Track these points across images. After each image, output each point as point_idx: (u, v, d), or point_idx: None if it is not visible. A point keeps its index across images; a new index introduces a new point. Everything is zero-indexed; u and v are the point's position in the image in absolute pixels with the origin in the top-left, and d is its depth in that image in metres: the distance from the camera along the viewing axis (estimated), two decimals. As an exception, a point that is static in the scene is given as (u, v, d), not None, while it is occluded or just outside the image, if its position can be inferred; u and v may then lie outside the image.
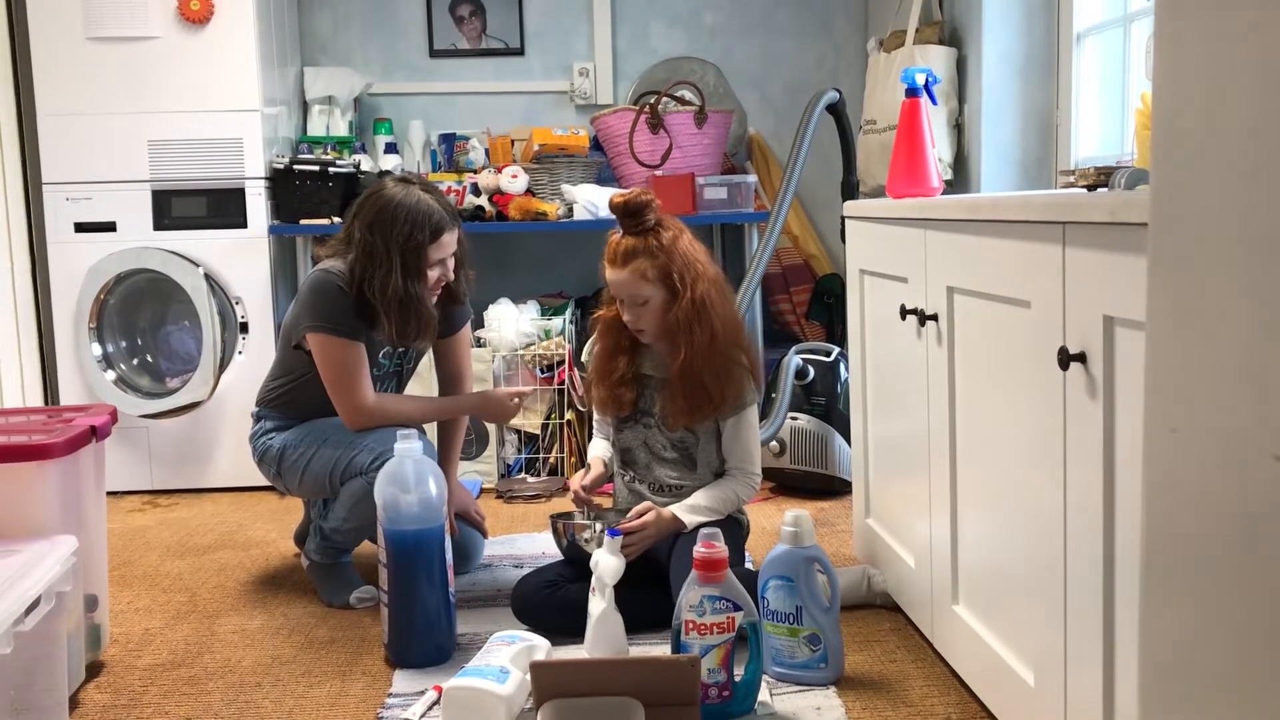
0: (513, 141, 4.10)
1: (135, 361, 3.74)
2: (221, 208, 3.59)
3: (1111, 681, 1.44)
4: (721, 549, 1.94)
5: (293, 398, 2.63)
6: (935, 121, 3.11)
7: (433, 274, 2.55)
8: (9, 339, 3.59)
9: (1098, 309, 1.41)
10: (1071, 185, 1.56)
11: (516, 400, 2.73)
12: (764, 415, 3.29)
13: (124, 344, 3.72)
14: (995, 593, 1.84)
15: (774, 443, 3.31)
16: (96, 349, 3.62)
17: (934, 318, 2.01)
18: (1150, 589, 0.93)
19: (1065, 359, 1.46)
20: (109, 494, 3.61)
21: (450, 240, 2.55)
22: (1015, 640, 1.76)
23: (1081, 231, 1.43)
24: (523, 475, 3.63)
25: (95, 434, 2.09)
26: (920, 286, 2.09)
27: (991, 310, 1.77)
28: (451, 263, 2.60)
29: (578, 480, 2.43)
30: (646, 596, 2.29)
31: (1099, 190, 1.50)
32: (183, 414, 3.61)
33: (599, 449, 2.53)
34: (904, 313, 2.13)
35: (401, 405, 2.64)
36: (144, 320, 3.75)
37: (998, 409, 1.78)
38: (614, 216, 2.36)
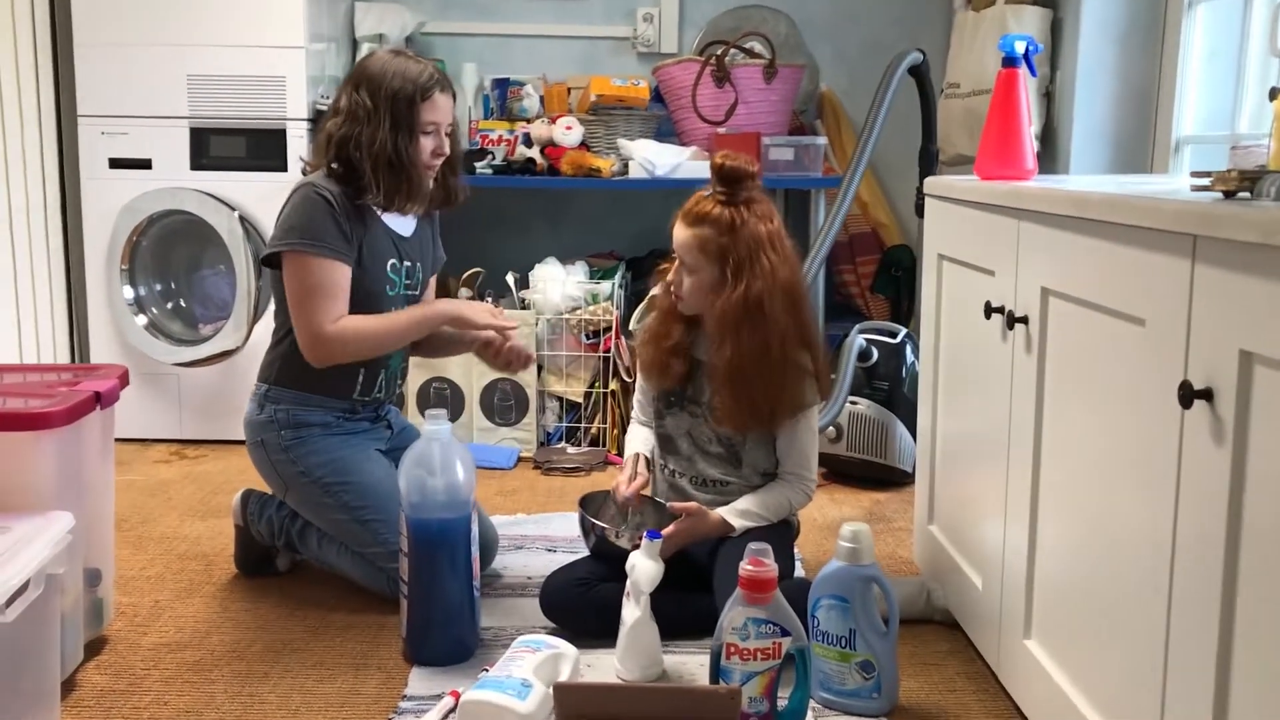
0: (569, 89, 3.89)
1: (169, 306, 3.60)
2: (261, 149, 3.42)
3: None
4: (770, 568, 1.75)
5: (299, 360, 2.28)
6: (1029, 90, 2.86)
7: (427, 142, 2.31)
8: (42, 279, 3.45)
9: (1232, 341, 1.19)
10: (1205, 189, 1.34)
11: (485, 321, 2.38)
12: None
13: (158, 287, 3.58)
14: (1077, 633, 1.64)
15: (831, 428, 3.11)
16: (128, 292, 3.48)
17: (1024, 320, 1.79)
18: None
19: (1188, 396, 1.24)
20: (137, 441, 3.54)
21: (445, 104, 2.33)
22: (1099, 692, 1.56)
23: (1217, 248, 1.21)
24: (563, 444, 3.46)
25: (100, 401, 1.94)
26: (1009, 282, 1.86)
27: (1095, 322, 1.55)
28: (447, 143, 2.37)
29: (622, 486, 2.23)
30: (685, 599, 2.12)
31: (1241, 197, 1.28)
32: (214, 363, 3.47)
33: (638, 442, 2.34)
34: (989, 310, 1.92)
35: (364, 325, 2.26)
36: (178, 263, 3.61)
37: (1095, 433, 1.57)
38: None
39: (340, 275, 2.25)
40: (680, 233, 2.17)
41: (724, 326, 2.12)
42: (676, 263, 2.20)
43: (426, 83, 2.30)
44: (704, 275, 2.15)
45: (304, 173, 2.41)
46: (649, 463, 2.29)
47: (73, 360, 3.60)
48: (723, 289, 2.12)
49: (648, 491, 2.31)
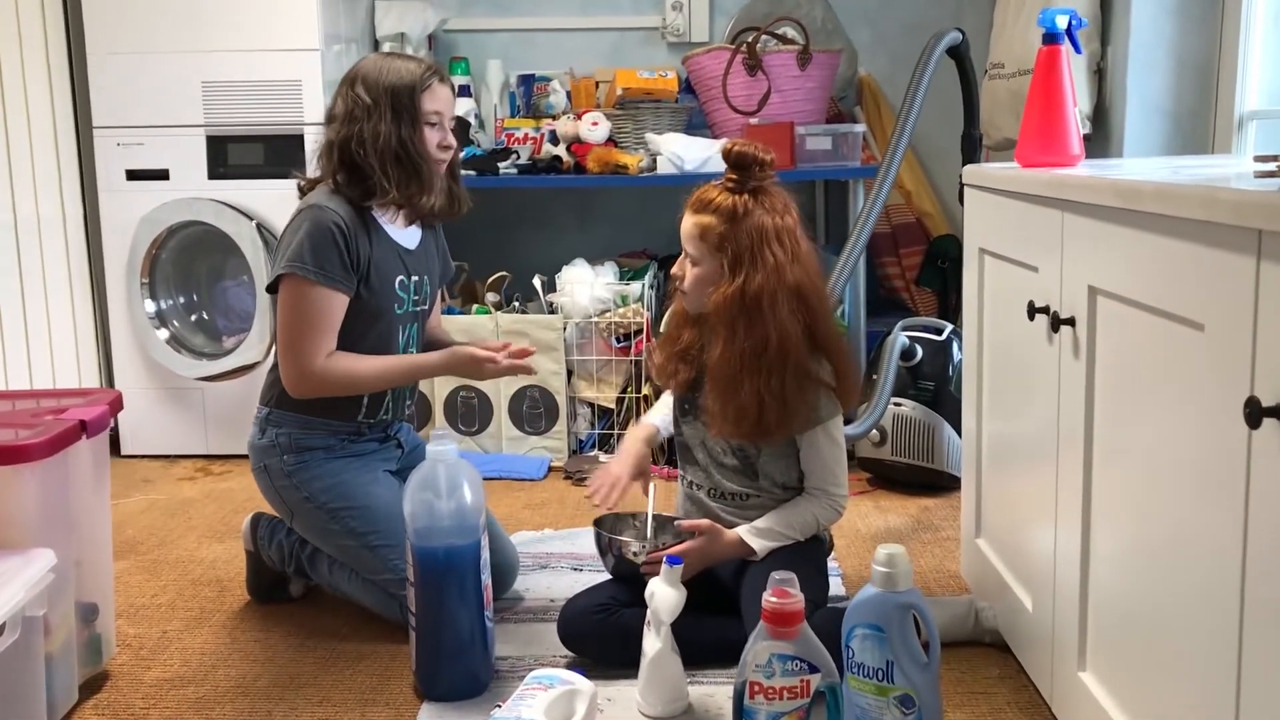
0: (597, 83, 3.76)
1: (192, 318, 3.53)
2: (279, 156, 3.33)
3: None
4: (796, 599, 1.61)
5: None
6: (1074, 68, 2.67)
7: (431, 134, 2.20)
8: (65, 295, 3.38)
9: (1308, 351, 1.03)
10: (1270, 175, 1.18)
11: (490, 364, 2.25)
12: (864, 399, 2.93)
13: (180, 300, 3.51)
14: (1136, 667, 1.48)
15: (874, 431, 2.95)
16: (150, 305, 3.41)
17: (1070, 322, 1.62)
18: None
19: (1256, 414, 1.08)
20: (163, 458, 3.47)
21: (445, 94, 2.23)
22: (1161, 738, 1.40)
23: (1288, 243, 1.05)
24: (595, 452, 3.33)
25: (86, 430, 1.84)
26: (1054, 280, 1.70)
27: (1148, 325, 1.39)
28: (451, 136, 2.26)
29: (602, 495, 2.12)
30: (710, 624, 1.99)
31: (1313, 184, 1.12)
32: (236, 377, 3.39)
33: (656, 414, 2.24)
34: (1032, 311, 1.76)
35: (355, 365, 2.16)
36: (199, 275, 3.53)
37: (1151, 447, 1.40)
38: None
39: (337, 307, 2.14)
40: (684, 221, 2.04)
41: (718, 322, 1.98)
42: (682, 255, 2.07)
43: (424, 73, 2.20)
44: (704, 267, 2.02)
45: (301, 190, 2.29)
46: (656, 441, 2.19)
47: (102, 377, 3.53)
48: (722, 283, 1.98)
49: (665, 509, 2.18)
